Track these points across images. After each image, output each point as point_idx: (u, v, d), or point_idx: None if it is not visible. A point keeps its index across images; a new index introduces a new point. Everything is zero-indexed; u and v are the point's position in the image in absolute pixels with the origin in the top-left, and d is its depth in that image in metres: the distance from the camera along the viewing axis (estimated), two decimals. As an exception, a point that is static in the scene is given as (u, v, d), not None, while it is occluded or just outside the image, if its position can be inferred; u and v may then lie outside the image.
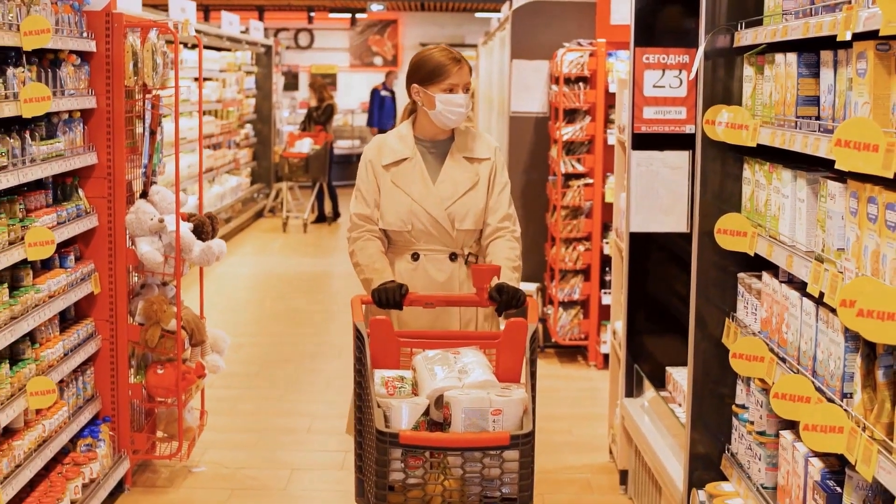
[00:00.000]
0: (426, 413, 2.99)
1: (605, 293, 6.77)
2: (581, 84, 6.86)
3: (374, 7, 19.28)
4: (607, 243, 6.62)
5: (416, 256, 3.65)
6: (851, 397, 2.45)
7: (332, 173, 13.61)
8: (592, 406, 5.98)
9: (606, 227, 6.73)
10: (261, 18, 18.26)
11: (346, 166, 17.08)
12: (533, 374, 3.09)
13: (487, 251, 3.66)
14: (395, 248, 3.69)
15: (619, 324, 4.93)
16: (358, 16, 20.24)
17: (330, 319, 8.28)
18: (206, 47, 11.38)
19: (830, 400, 2.53)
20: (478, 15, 19.58)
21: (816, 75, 2.77)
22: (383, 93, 17.01)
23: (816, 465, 2.69)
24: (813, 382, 2.65)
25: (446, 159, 3.69)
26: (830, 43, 2.60)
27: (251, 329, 7.91)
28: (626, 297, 4.72)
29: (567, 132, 6.84)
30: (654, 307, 4.73)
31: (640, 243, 4.69)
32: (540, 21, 7.31)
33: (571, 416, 5.85)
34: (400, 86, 18.48)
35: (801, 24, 2.73)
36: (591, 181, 6.85)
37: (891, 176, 2.13)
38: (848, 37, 2.37)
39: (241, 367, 6.69)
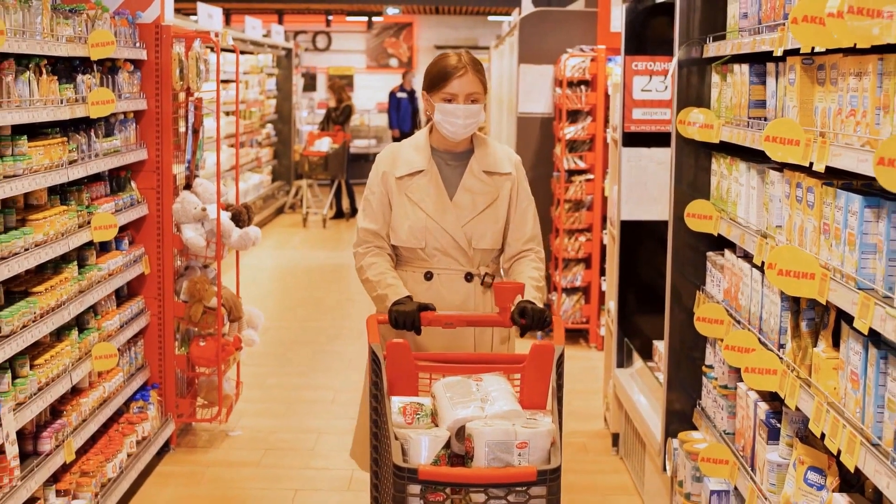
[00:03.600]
0: (447, 445, 2.81)
1: (604, 280, 7.30)
2: (583, 87, 7.41)
3: (390, 10, 19.85)
4: (607, 234, 7.16)
5: (429, 276, 3.44)
6: (785, 347, 3.00)
7: (349, 171, 14.18)
8: (591, 382, 6.52)
9: (606, 219, 7.26)
10: (280, 22, 18.85)
11: (363, 164, 17.64)
12: (559, 400, 2.92)
13: (510, 272, 3.49)
14: (406, 266, 3.48)
15: (612, 303, 5.48)
16: (374, 19, 20.81)
17: (348, 307, 8.86)
18: (230, 50, 11.96)
19: (770, 349, 3.08)
20: (490, 18, 20.12)
21: (763, 83, 3.31)
22: (399, 94, 17.35)
23: (762, 407, 3.23)
24: (759, 338, 3.20)
25: (465, 173, 3.46)
26: (775, 56, 3.14)
27: (276, 315, 8.48)
28: (618, 279, 5.28)
29: (570, 131, 7.39)
30: (643, 287, 5.28)
31: (631, 231, 5.24)
32: (545, 28, 7.87)
33: (572, 390, 6.33)
34: (418, 85, 18.97)
35: (750, 41, 3.28)
36: (591, 177, 7.41)
37: (807, 164, 2.68)
38: (780, 53, 2.92)
39: (270, 349, 7.26)
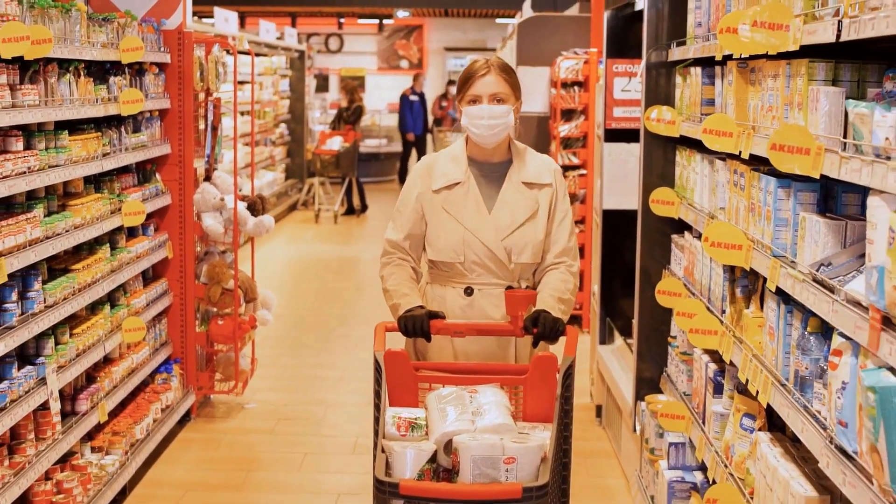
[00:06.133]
0: (433, 459, 2.74)
1: (596, 269, 7.77)
2: (576, 88, 7.88)
3: (401, 13, 20.35)
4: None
5: (469, 291, 3.33)
6: (726, 312, 3.47)
7: (360, 169, 14.65)
8: (581, 363, 6.92)
9: (598, 212, 7.73)
10: (293, 25, 19.36)
11: (373, 163, 18.13)
12: (567, 413, 2.80)
13: (538, 284, 3.38)
14: (445, 282, 3.37)
15: (595, 286, 5.95)
16: (385, 21, 21.33)
17: (357, 296, 9.35)
18: (246, 53, 12.46)
19: (714, 315, 3.55)
20: (498, 21, 20.60)
21: (713, 83, 3.78)
22: (412, 97, 17.33)
23: (712, 367, 3.70)
24: (707, 306, 3.66)
25: (503, 184, 3.35)
26: (718, 60, 3.61)
27: (290, 303, 8.98)
28: (601, 264, 5.75)
29: (564, 129, 7.87)
30: (625, 271, 5.73)
31: (613, 219, 5.71)
32: (542, 32, 8.34)
33: (563, 370, 6.84)
34: (428, 87, 19.38)
35: (701, 46, 3.74)
36: (584, 172, 7.87)
37: (737, 153, 3.15)
38: (720, 58, 3.39)
39: (282, 332, 7.76)
